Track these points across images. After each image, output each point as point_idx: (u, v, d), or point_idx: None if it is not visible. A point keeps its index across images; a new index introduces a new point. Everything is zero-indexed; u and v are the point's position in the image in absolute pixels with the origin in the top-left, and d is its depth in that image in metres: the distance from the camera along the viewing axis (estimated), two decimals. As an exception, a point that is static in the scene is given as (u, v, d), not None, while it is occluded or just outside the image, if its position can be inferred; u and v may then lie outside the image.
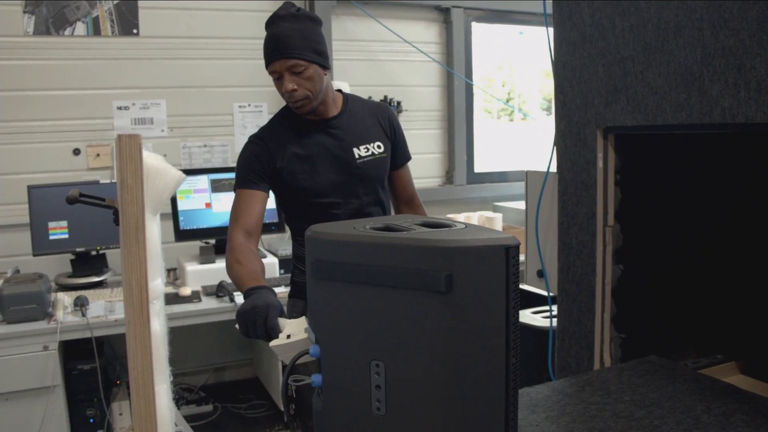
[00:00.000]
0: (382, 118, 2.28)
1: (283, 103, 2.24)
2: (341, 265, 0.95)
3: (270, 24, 2.09)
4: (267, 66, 2.10)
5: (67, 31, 3.64)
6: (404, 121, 4.38)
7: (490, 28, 4.91)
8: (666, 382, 1.46)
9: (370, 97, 3.08)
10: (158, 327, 0.76)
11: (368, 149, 2.21)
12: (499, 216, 4.24)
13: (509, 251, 0.88)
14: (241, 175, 2.17)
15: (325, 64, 2.10)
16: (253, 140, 2.20)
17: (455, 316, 0.88)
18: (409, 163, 2.39)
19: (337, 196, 2.18)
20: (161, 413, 0.72)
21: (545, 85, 5.36)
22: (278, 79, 2.10)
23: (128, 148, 0.66)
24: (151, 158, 0.73)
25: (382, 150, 2.23)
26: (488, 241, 0.88)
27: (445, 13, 4.52)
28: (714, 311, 1.83)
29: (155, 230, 0.74)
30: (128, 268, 0.68)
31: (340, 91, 2.30)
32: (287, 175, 2.14)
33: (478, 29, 4.76)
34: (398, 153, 2.31)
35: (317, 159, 2.16)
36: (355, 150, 2.19)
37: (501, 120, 5.36)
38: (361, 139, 2.21)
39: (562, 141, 1.76)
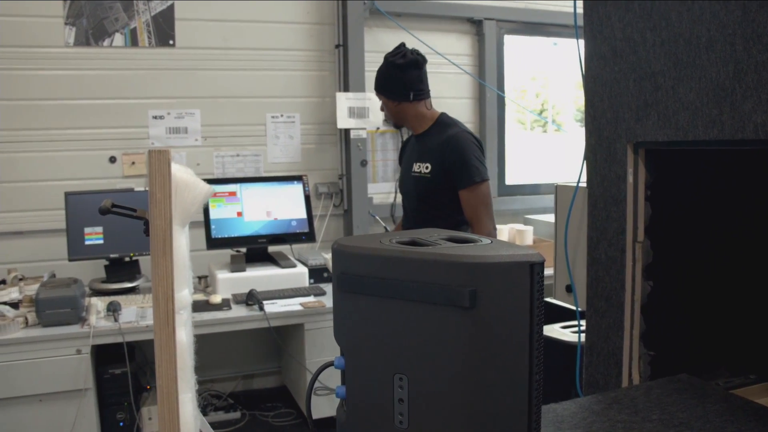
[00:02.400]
0: (443, 145, 2.76)
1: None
2: (366, 279, 0.96)
3: None
4: None
5: (106, 42, 3.72)
6: (435, 132, 4.38)
7: (524, 39, 4.90)
8: (696, 402, 1.43)
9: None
10: (184, 337, 0.77)
11: (419, 167, 2.82)
12: (530, 229, 4.21)
13: (534, 267, 0.88)
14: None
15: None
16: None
17: (479, 331, 0.88)
18: None
19: (404, 197, 3.00)
20: (186, 421, 0.74)
21: (579, 97, 5.32)
22: None
23: (157, 162, 0.68)
24: (180, 172, 0.75)
25: (428, 171, 2.77)
26: (513, 257, 0.88)
27: (477, 25, 4.53)
28: (747, 330, 1.80)
29: (183, 242, 0.75)
30: (156, 280, 0.69)
31: (442, 114, 2.95)
32: None
33: (511, 41, 4.75)
34: (453, 177, 2.72)
35: (404, 165, 2.99)
36: (414, 164, 2.85)
37: (534, 131, 5.33)
38: (420, 157, 2.82)
39: (592, 155, 1.74)
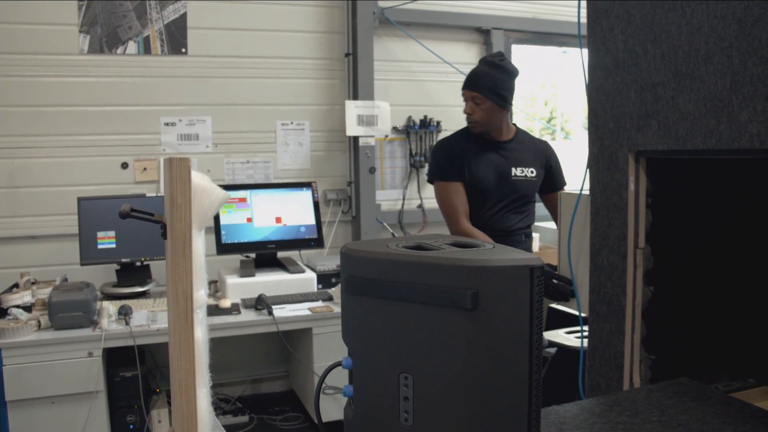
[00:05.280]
0: (543, 152, 3.07)
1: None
2: (373, 281, 1.00)
3: (479, 62, 3.01)
4: (462, 89, 2.98)
5: (120, 50, 3.79)
6: (443, 140, 4.43)
7: (532, 48, 4.94)
8: (695, 405, 1.46)
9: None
10: (200, 335, 0.81)
11: (523, 171, 2.98)
12: (536, 236, 4.24)
13: (533, 271, 0.92)
14: (444, 168, 2.96)
15: (501, 104, 2.89)
16: (448, 140, 3.06)
17: (480, 332, 0.92)
18: None
19: (489, 198, 2.93)
20: (201, 414, 0.78)
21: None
22: (465, 102, 2.95)
23: (178, 169, 0.73)
24: (197, 178, 0.79)
25: (534, 175, 3.01)
26: (513, 261, 0.92)
27: (485, 34, 4.57)
28: (746, 334, 1.83)
29: (200, 245, 0.80)
30: (175, 280, 0.74)
31: (515, 125, 3.09)
32: (465, 173, 2.92)
33: (519, 50, 4.80)
34: (549, 181, 3.07)
35: (485, 168, 2.92)
36: (513, 169, 2.96)
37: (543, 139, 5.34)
38: (518, 163, 2.97)
39: (594, 164, 1.78)
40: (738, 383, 1.80)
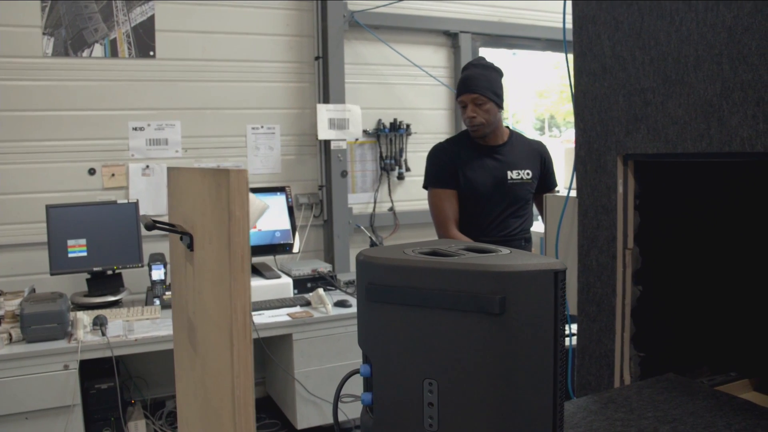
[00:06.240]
0: (538, 153, 3.06)
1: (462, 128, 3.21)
2: (396, 288, 1.01)
3: (464, 69, 2.99)
4: (457, 97, 2.94)
5: (85, 53, 3.72)
6: (413, 143, 4.47)
7: (492, 51, 5.01)
8: (686, 399, 1.51)
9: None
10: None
11: (519, 174, 2.96)
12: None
13: (558, 275, 0.94)
14: (437, 175, 2.96)
15: (499, 104, 2.89)
16: (442, 147, 3.04)
17: (508, 337, 0.94)
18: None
19: (486, 204, 2.91)
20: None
21: (539, 105, 5.43)
22: (464, 108, 2.91)
23: (236, 182, 0.73)
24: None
25: (530, 177, 2.99)
26: (538, 266, 0.94)
27: (453, 38, 4.62)
28: (727, 330, 1.89)
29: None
30: (234, 295, 0.74)
31: (508, 127, 3.09)
32: (460, 179, 2.90)
33: (485, 53, 4.86)
34: (544, 182, 3.07)
35: (481, 174, 2.90)
36: (509, 173, 2.94)
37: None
38: (514, 165, 2.96)
39: (582, 166, 1.82)
40: (721, 377, 1.86)
